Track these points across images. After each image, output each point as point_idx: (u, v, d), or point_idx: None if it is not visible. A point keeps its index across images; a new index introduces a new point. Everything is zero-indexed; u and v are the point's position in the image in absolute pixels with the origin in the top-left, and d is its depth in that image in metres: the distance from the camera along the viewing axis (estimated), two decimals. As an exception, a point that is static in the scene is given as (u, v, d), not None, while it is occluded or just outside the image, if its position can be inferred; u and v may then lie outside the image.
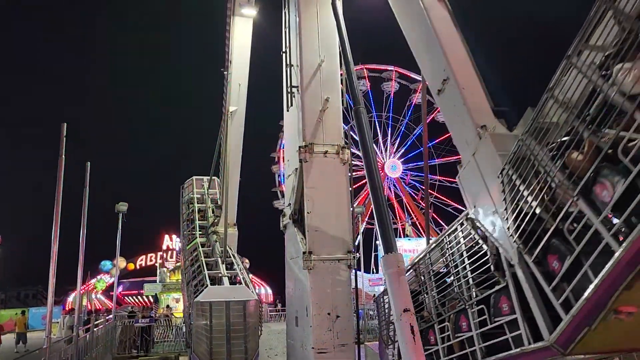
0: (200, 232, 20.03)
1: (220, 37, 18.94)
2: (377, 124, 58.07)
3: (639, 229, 4.44)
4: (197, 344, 14.17)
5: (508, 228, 6.74)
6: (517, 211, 6.57)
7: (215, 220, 19.52)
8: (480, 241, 7.61)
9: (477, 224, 7.76)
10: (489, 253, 7.22)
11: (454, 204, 53.80)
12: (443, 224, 49.07)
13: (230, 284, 15.63)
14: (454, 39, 9.63)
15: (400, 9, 10.75)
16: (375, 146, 53.34)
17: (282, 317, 37.80)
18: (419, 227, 54.17)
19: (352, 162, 14.11)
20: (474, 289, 7.56)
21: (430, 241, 9.04)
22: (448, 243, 8.63)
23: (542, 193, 5.96)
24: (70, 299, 47.69)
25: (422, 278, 9.55)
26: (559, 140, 5.80)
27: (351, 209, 12.18)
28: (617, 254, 4.69)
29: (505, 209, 6.88)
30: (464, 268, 7.87)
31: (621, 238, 4.74)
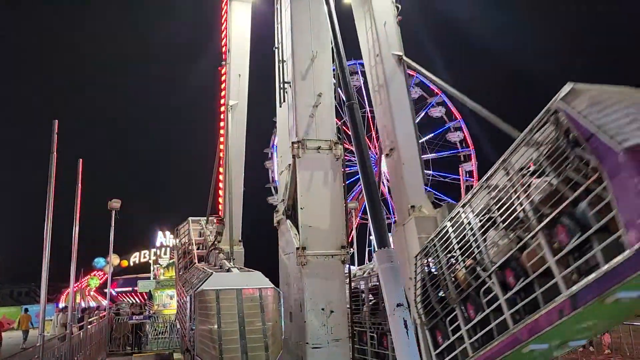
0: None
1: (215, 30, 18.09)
2: (370, 119, 58.02)
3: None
4: (202, 346, 10.40)
5: (415, 294, 9.38)
6: (420, 288, 9.26)
7: (218, 239, 16.55)
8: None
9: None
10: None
11: (447, 198, 53.93)
12: (436, 218, 49.22)
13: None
14: (406, 112, 12.25)
15: (370, 77, 13.23)
16: (368, 141, 53.36)
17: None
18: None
19: (346, 157, 14.09)
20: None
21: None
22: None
23: (438, 288, 8.82)
24: (63, 297, 47.54)
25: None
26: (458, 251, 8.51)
27: (344, 204, 12.20)
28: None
29: (415, 281, 9.41)
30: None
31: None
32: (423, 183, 11.50)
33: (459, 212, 8.64)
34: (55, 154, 14.29)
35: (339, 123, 13.04)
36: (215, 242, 16.20)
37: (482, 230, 7.82)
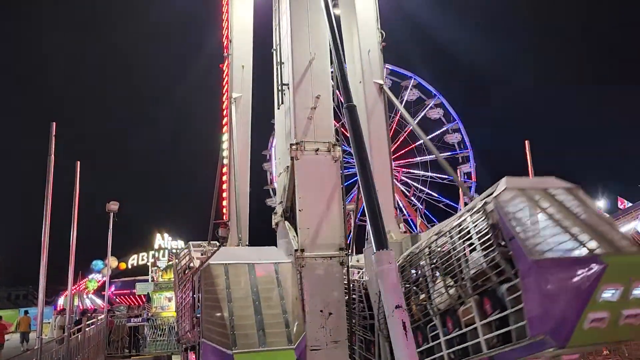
0: None
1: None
2: (368, 121, 58.02)
3: None
4: (209, 326, 8.75)
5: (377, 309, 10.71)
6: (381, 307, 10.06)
7: (223, 244, 14.31)
8: None
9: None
10: None
11: (446, 199, 53.91)
12: (435, 220, 49.12)
13: None
14: (382, 146, 13.27)
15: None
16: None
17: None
18: (412, 223, 54.33)
19: (344, 159, 14.08)
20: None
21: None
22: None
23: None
24: (61, 300, 47.41)
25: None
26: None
27: (343, 206, 12.20)
28: None
29: (378, 300, 10.47)
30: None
31: None
32: (393, 209, 13.16)
33: (418, 251, 10.02)
34: (53, 157, 14.30)
35: (338, 125, 13.03)
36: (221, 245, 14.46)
37: (432, 276, 9.24)
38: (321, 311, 11.02)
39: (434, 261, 9.19)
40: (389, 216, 12.38)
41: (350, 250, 13.38)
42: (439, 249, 9.06)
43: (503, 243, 7.22)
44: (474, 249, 8.03)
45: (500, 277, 7.28)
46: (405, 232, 13.23)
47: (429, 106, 50.42)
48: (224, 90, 15.56)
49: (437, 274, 9.12)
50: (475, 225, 7.89)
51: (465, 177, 51.07)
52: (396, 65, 55.73)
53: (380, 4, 14.47)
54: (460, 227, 8.37)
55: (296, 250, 11.29)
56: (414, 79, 52.65)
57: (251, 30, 15.62)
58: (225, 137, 15.31)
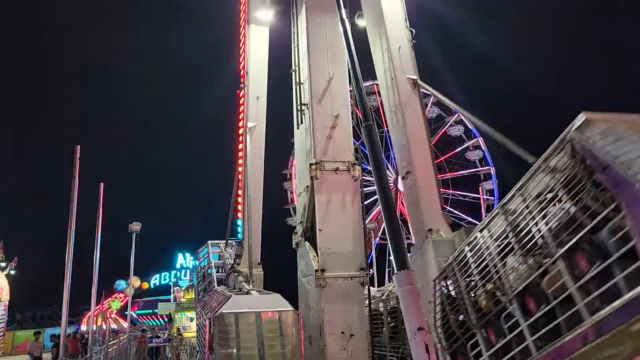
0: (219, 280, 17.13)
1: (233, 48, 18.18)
2: (388, 139, 57.97)
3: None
4: None
5: (434, 318, 8.89)
6: (439, 312, 8.82)
7: (237, 262, 16.52)
8: None
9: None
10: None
11: (467, 217, 53.32)
12: (457, 238, 48.53)
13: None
14: (422, 140, 12.06)
15: (386, 100, 13.19)
16: (386, 161, 53.24)
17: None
18: (433, 241, 53.73)
19: (364, 177, 14.03)
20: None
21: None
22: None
23: (458, 313, 8.38)
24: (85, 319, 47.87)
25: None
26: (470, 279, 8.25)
27: (363, 225, 12.11)
28: None
29: (434, 305, 8.98)
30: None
31: None
32: (440, 206, 11.47)
33: (476, 236, 8.53)
34: (77, 179, 14.53)
35: (357, 143, 13.02)
36: (235, 265, 16.13)
37: (501, 255, 7.76)
38: (342, 332, 10.88)
39: (507, 235, 7.70)
40: (436, 214, 11.32)
41: (369, 270, 13.14)
42: (513, 218, 7.59)
43: (595, 177, 6.03)
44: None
45: (594, 220, 5.98)
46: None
47: (449, 123, 50.11)
48: (240, 116, 16.69)
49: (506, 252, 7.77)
50: (554, 170, 6.73)
51: (488, 194, 50.44)
52: (415, 83, 55.71)
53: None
54: (534, 177, 7.16)
55: (316, 271, 11.22)
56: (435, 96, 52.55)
57: (266, 62, 16.79)
58: (240, 161, 16.59)
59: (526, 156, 8.66)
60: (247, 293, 12.38)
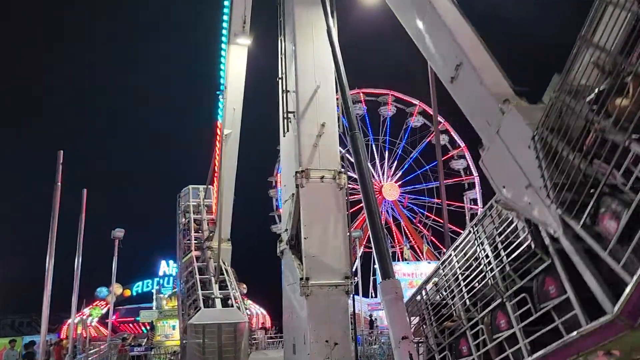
0: (196, 242, 20.45)
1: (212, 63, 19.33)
2: (374, 147, 58.20)
3: None
4: (191, 357, 15.51)
5: (548, 196, 6.04)
6: (557, 174, 5.94)
7: (210, 235, 20.28)
8: (516, 220, 6.91)
9: (510, 203, 7.02)
10: (526, 231, 6.54)
11: (453, 227, 53.68)
12: (443, 247, 48.80)
13: (222, 307, 16.38)
14: (460, 22, 8.81)
15: (400, 2, 9.97)
16: (372, 169, 53.42)
17: (281, 344, 37.19)
18: (417, 250, 53.95)
19: (349, 185, 14.00)
20: (508, 280, 6.79)
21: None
22: (476, 233, 7.84)
23: (586, 148, 5.29)
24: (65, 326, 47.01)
25: (446, 283, 8.53)
26: (597, 90, 5.29)
27: (348, 234, 12.12)
28: None
29: (542, 176, 6.21)
30: (497, 255, 7.08)
31: None
32: (509, 84, 7.95)
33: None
34: (60, 185, 14.35)
35: (343, 152, 13.05)
36: (210, 236, 20.11)
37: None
38: (326, 341, 10.84)
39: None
40: (506, 89, 7.60)
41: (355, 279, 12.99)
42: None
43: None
44: None
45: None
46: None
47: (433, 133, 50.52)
48: (217, 123, 19.64)
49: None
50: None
51: (472, 203, 50.90)
52: (402, 93, 56.28)
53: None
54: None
55: (301, 279, 11.19)
56: (419, 105, 53.03)
57: (243, 80, 18.95)
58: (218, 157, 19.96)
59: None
60: (213, 301, 16.41)
